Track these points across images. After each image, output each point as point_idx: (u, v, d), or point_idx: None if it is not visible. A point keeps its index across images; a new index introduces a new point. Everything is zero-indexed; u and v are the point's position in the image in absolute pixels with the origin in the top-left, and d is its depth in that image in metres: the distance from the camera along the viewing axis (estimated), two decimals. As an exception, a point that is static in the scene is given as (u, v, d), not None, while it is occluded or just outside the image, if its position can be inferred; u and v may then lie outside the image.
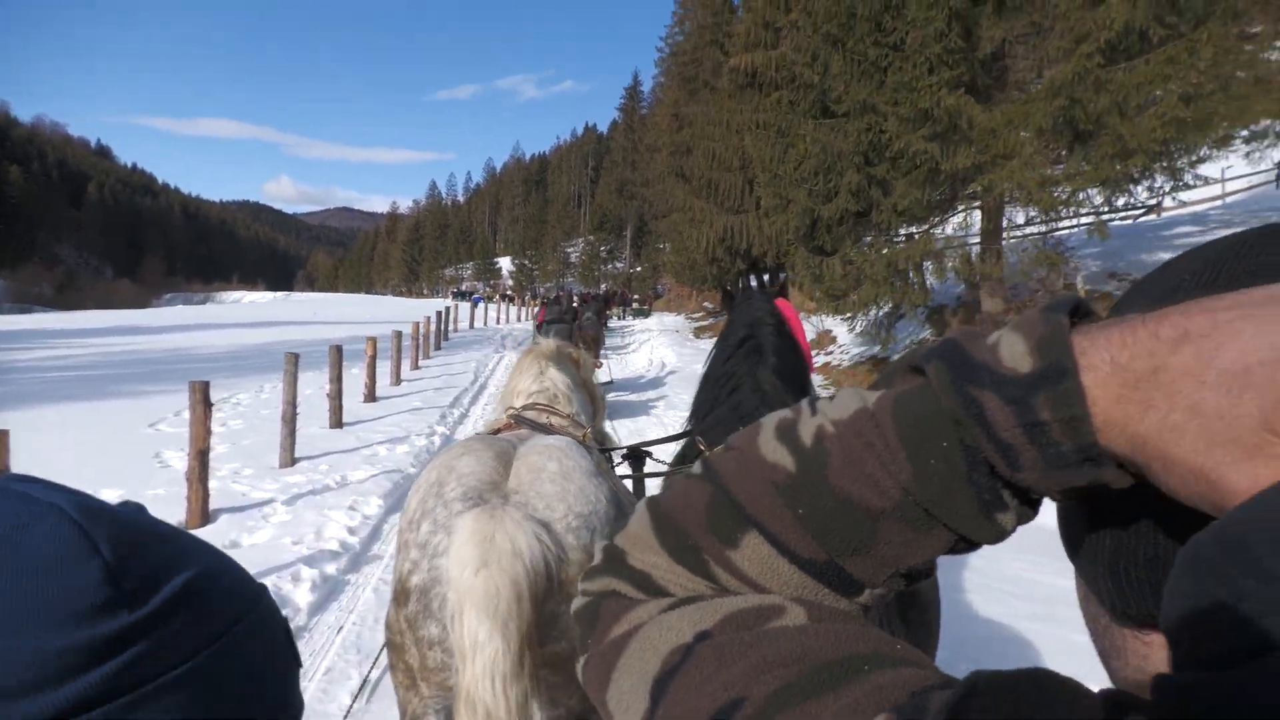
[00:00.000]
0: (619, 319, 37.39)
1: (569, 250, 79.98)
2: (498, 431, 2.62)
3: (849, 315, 12.45)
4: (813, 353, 3.18)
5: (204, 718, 0.55)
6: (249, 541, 5.32)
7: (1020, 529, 0.46)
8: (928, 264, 11.16)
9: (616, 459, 3.07)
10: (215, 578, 0.59)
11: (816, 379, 3.14)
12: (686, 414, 3.13)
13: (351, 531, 5.58)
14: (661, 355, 19.95)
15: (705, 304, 34.21)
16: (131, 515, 0.57)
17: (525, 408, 2.82)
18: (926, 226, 12.07)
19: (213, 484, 6.32)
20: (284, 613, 0.69)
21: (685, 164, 27.65)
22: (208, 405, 5.83)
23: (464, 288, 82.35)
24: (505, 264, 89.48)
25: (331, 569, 4.90)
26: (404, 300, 77.66)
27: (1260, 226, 0.45)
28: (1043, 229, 12.26)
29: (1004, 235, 11.56)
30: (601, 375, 9.92)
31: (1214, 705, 0.30)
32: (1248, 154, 10.54)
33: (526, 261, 78.81)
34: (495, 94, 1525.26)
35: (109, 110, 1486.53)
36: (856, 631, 0.45)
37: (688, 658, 0.47)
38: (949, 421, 0.42)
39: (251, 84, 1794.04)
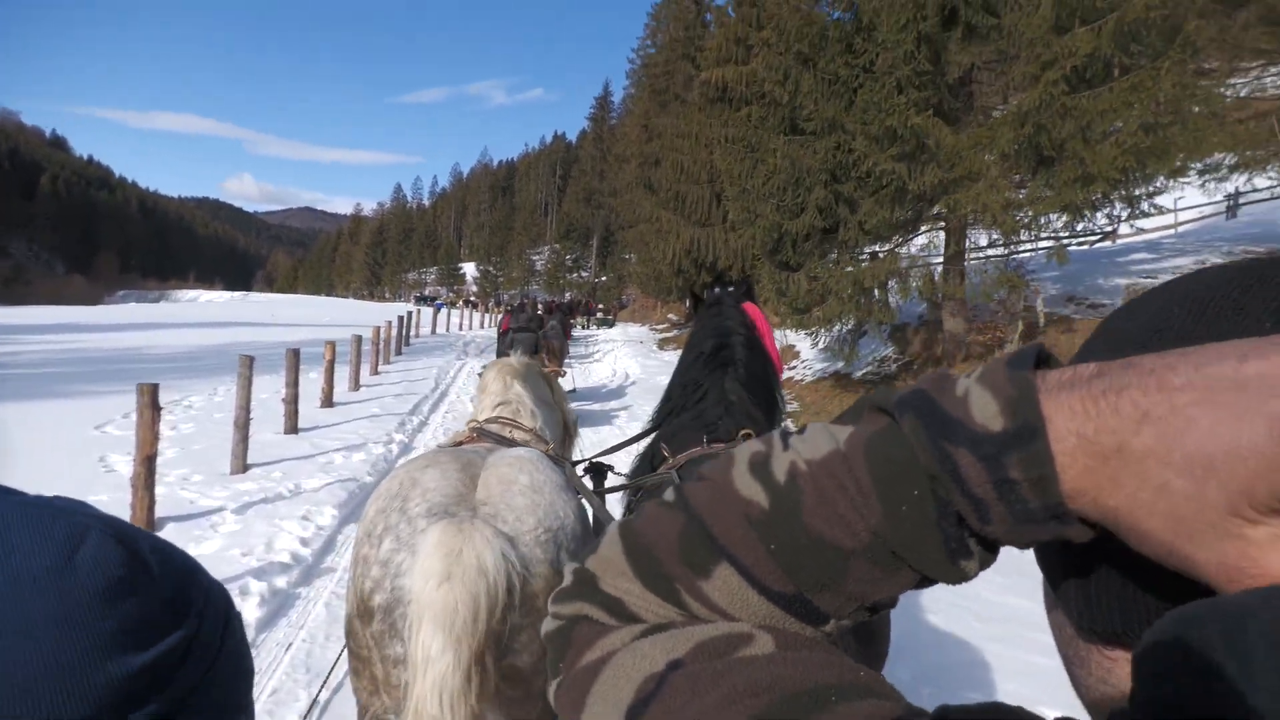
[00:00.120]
0: (583, 328, 37.26)
1: (534, 258, 79.71)
2: (460, 444, 2.58)
3: (812, 330, 12.52)
4: (780, 356, 3.16)
5: (219, 713, 0.59)
6: (195, 552, 5.12)
7: None
8: (892, 282, 11.27)
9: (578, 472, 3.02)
10: (210, 580, 0.62)
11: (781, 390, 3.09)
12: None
13: (304, 543, 5.40)
14: (625, 366, 19.89)
15: (670, 315, 34.25)
16: (136, 528, 0.58)
17: (488, 421, 2.79)
18: (891, 246, 12.20)
19: (160, 490, 6.10)
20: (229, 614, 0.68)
21: (654, 175, 27.76)
22: (156, 409, 5.62)
23: (427, 292, 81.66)
24: (470, 270, 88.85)
25: (282, 582, 4.73)
26: (365, 303, 76.60)
27: (1245, 260, 0.46)
28: (1004, 251, 12.46)
29: (966, 257, 11.72)
30: (565, 385, 9.82)
31: None
32: (1202, 184, 10.82)
33: (491, 268, 78.34)
34: (464, 98, 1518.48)
35: (65, 100, 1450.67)
36: (823, 660, 0.46)
37: (661, 687, 0.48)
38: (922, 473, 0.44)
39: (215, 79, 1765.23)
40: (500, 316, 17.49)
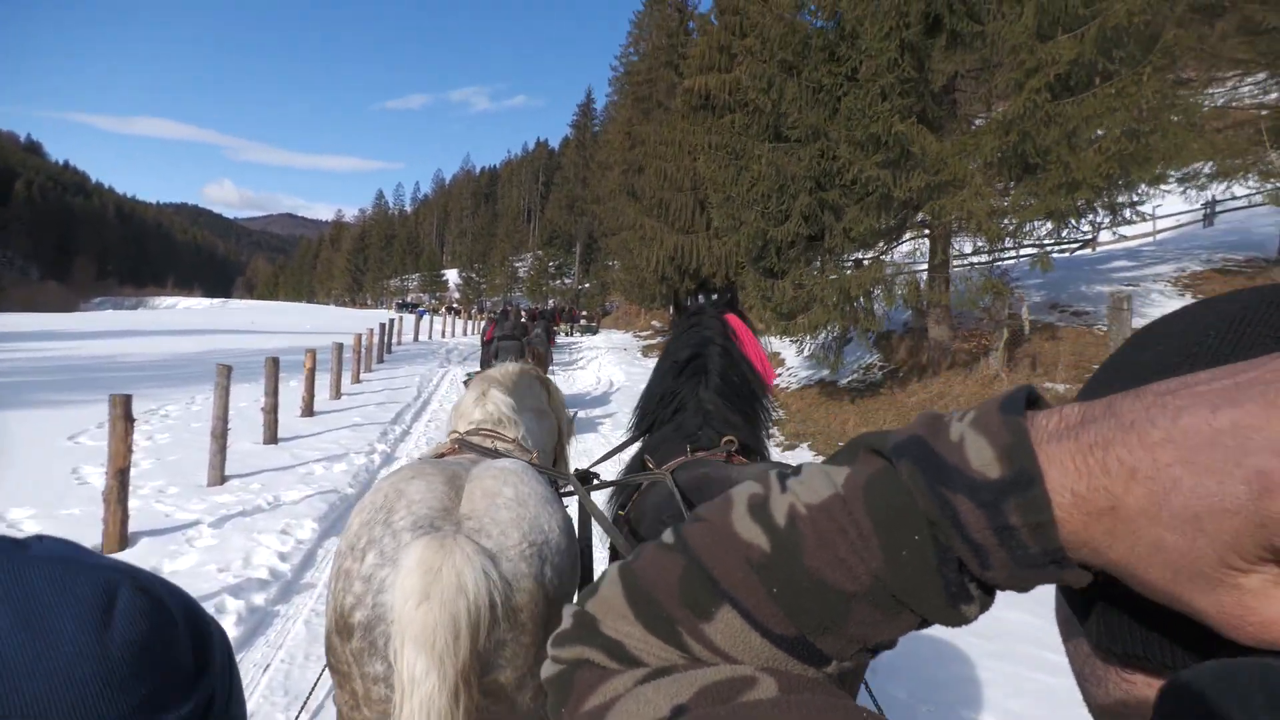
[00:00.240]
0: (566, 335, 37.14)
1: (517, 265, 79.47)
2: (443, 456, 2.54)
3: (797, 338, 12.49)
4: (768, 361, 3.13)
5: None
6: (170, 568, 4.98)
7: None
8: (877, 290, 11.25)
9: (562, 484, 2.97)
10: (213, 621, 0.61)
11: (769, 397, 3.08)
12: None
13: (283, 558, 5.26)
14: (609, 373, 19.81)
15: (654, 322, 34.19)
16: (150, 574, 0.57)
17: (470, 432, 2.75)
18: (876, 253, 12.20)
19: (134, 503, 5.95)
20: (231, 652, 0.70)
21: (637, 182, 27.68)
22: (129, 420, 5.47)
23: (409, 299, 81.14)
24: (452, 276, 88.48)
25: (259, 599, 4.59)
26: (347, 310, 76.10)
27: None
28: (988, 259, 12.49)
29: (951, 264, 11.73)
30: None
31: None
32: (1183, 192, 10.89)
33: (474, 275, 78.04)
34: (446, 105, 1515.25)
35: (41, 105, 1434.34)
36: (827, 703, 0.46)
37: None
38: (922, 518, 0.44)
39: (194, 84, 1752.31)
40: (484, 324, 17.38)
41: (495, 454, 2.52)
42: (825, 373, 13.20)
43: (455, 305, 65.73)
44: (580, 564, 2.37)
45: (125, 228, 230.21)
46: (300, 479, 7.43)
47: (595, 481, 2.98)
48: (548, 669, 0.61)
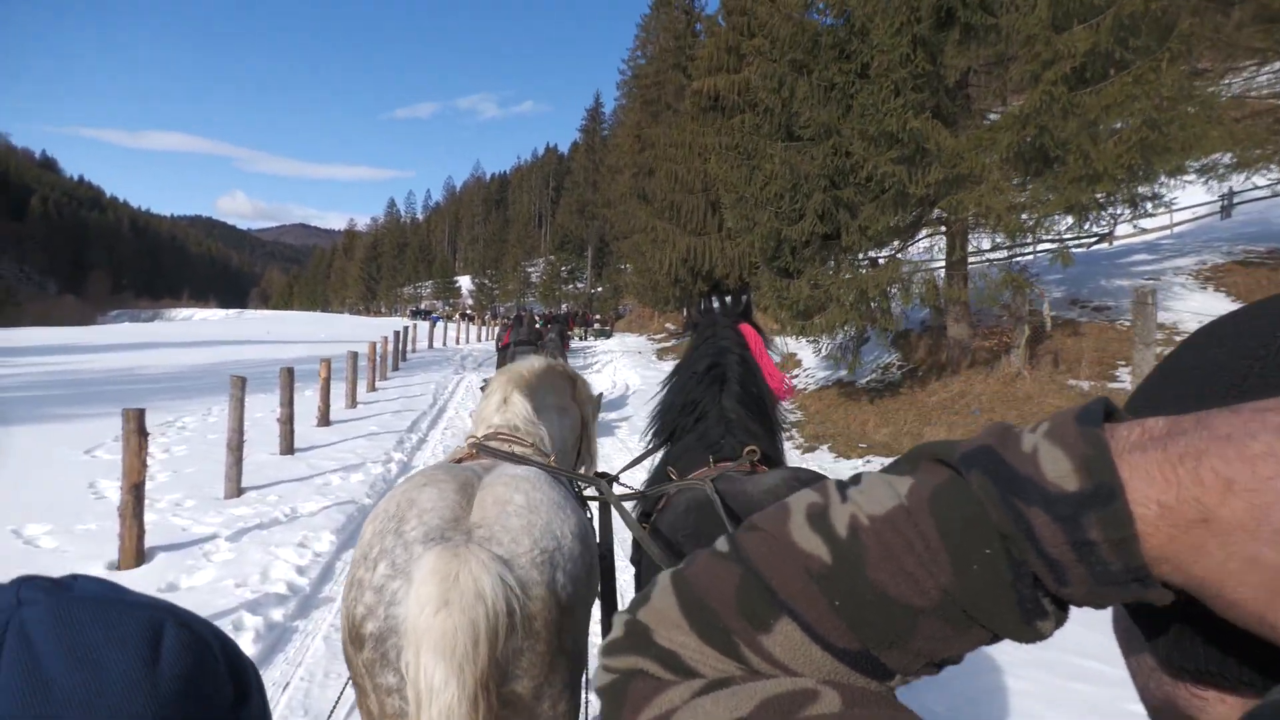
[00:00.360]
0: (580, 339, 37.10)
1: (530, 270, 79.49)
2: (460, 461, 2.50)
3: (814, 339, 12.36)
4: (781, 372, 3.13)
5: None
6: (187, 584, 4.93)
7: None
8: (894, 289, 11.12)
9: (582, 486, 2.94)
10: (245, 656, 0.62)
11: (784, 402, 3.07)
12: (647, 438, 3.13)
13: (301, 571, 5.20)
14: (625, 377, 19.72)
15: (667, 325, 34.08)
16: (188, 611, 0.58)
17: (488, 437, 2.70)
18: (893, 251, 12.07)
19: (151, 517, 5.91)
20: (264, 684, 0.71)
21: (647, 185, 27.60)
22: (143, 434, 5.42)
23: (423, 306, 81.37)
24: (465, 283, 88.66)
25: (278, 615, 4.52)
26: (361, 319, 76.34)
27: None
28: (1005, 255, 12.34)
29: (968, 261, 11.59)
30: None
31: None
32: (1206, 182, 10.71)
33: (487, 281, 78.15)
34: (455, 113, 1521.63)
35: (55, 121, 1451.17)
36: (892, 718, 0.46)
37: None
38: (994, 532, 0.43)
39: (205, 97, 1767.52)
40: (499, 330, 17.36)
41: (512, 458, 2.50)
42: (843, 373, 13.07)
43: (468, 312, 65.88)
44: (600, 570, 2.35)
45: (140, 241, 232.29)
46: (317, 490, 7.38)
47: (615, 486, 2.93)
48: (600, 678, 0.59)
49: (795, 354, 16.01)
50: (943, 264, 11.98)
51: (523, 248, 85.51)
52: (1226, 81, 12.03)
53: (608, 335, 39.69)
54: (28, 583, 0.52)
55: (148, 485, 7.13)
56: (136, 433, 5.37)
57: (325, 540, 5.86)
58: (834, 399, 12.79)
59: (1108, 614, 0.51)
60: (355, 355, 13.76)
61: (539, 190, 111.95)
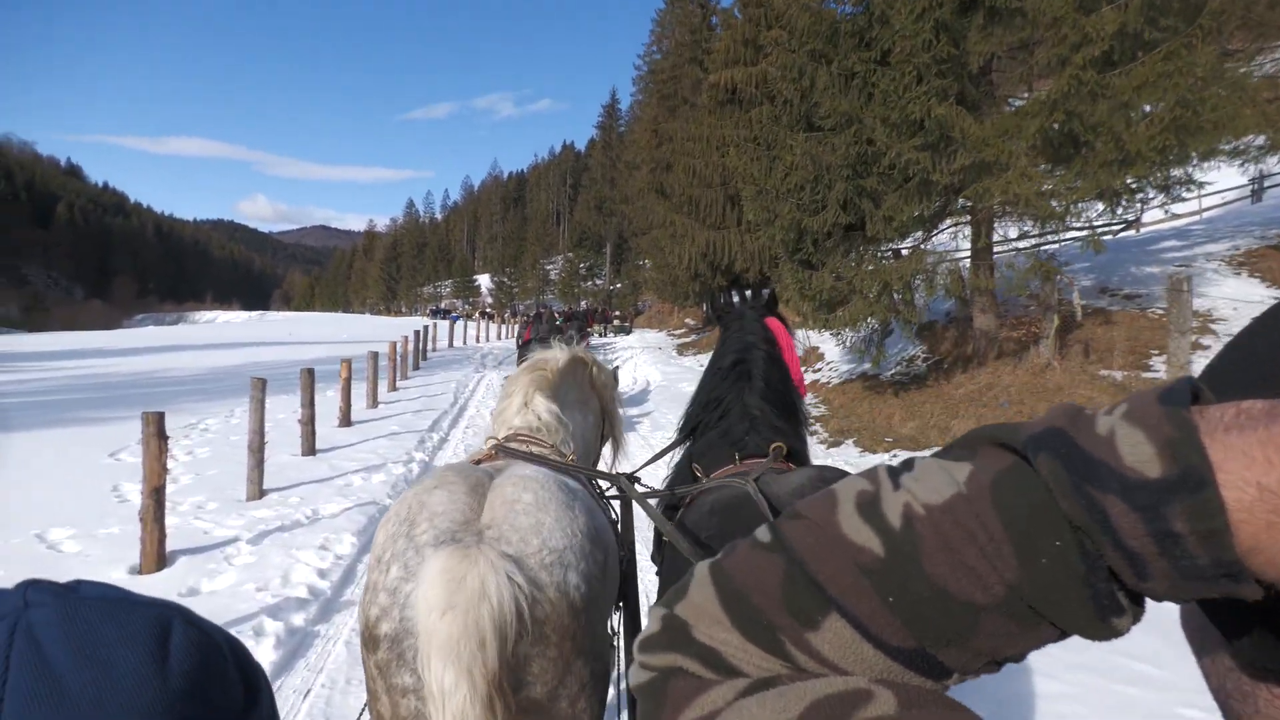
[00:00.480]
0: (600, 336, 37.05)
1: (548, 267, 79.61)
2: (479, 463, 2.45)
3: (837, 331, 12.19)
4: (801, 369, 3.09)
5: None
6: (209, 588, 4.87)
7: None
8: (918, 280, 10.92)
9: (604, 485, 2.91)
10: (254, 657, 0.63)
11: (806, 398, 3.02)
12: (672, 435, 3.11)
13: (322, 574, 5.13)
14: (646, 373, 19.60)
15: (687, 320, 33.97)
16: (194, 612, 0.58)
17: (508, 438, 2.67)
18: (916, 242, 11.87)
19: (173, 520, 5.88)
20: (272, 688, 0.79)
21: (665, 180, 27.45)
22: (163, 438, 5.37)
23: (442, 305, 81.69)
24: (484, 281, 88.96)
25: (299, 619, 4.45)
26: (382, 319, 76.75)
27: None
28: (1031, 244, 12.11)
29: (993, 250, 11.37)
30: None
31: None
32: (1241, 165, 10.42)
33: (506, 279, 78.32)
34: (472, 112, 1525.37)
35: (80, 129, 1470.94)
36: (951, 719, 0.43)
37: None
38: (1064, 522, 0.41)
39: (225, 102, 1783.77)
40: (520, 327, 17.35)
41: (530, 457, 2.48)
42: (867, 366, 12.90)
43: (488, 310, 66.07)
44: (620, 569, 2.32)
45: (164, 245, 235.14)
46: (339, 491, 7.33)
47: (637, 485, 2.88)
48: (637, 675, 0.57)
49: (818, 347, 15.83)
50: (968, 254, 11.77)
51: (541, 245, 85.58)
52: (1258, 62, 11.72)
53: (627, 332, 39.59)
54: (34, 586, 0.52)
55: (170, 488, 7.14)
56: (156, 436, 5.33)
57: (346, 542, 5.81)
58: (858, 392, 12.62)
59: (1157, 610, 0.45)
60: (376, 355, 13.75)
61: (556, 188, 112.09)
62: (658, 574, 2.58)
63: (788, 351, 2.96)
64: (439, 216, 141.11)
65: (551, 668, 1.82)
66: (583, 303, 60.86)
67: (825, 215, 11.21)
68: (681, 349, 27.12)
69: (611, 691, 3.26)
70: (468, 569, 1.69)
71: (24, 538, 5.74)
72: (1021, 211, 9.72)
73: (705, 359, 3.11)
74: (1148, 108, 8.55)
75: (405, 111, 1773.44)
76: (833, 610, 0.47)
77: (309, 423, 9.03)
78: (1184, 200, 10.36)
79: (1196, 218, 19.91)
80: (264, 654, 3.97)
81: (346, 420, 11.07)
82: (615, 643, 2.24)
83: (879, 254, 11.85)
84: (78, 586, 0.54)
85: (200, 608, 3.55)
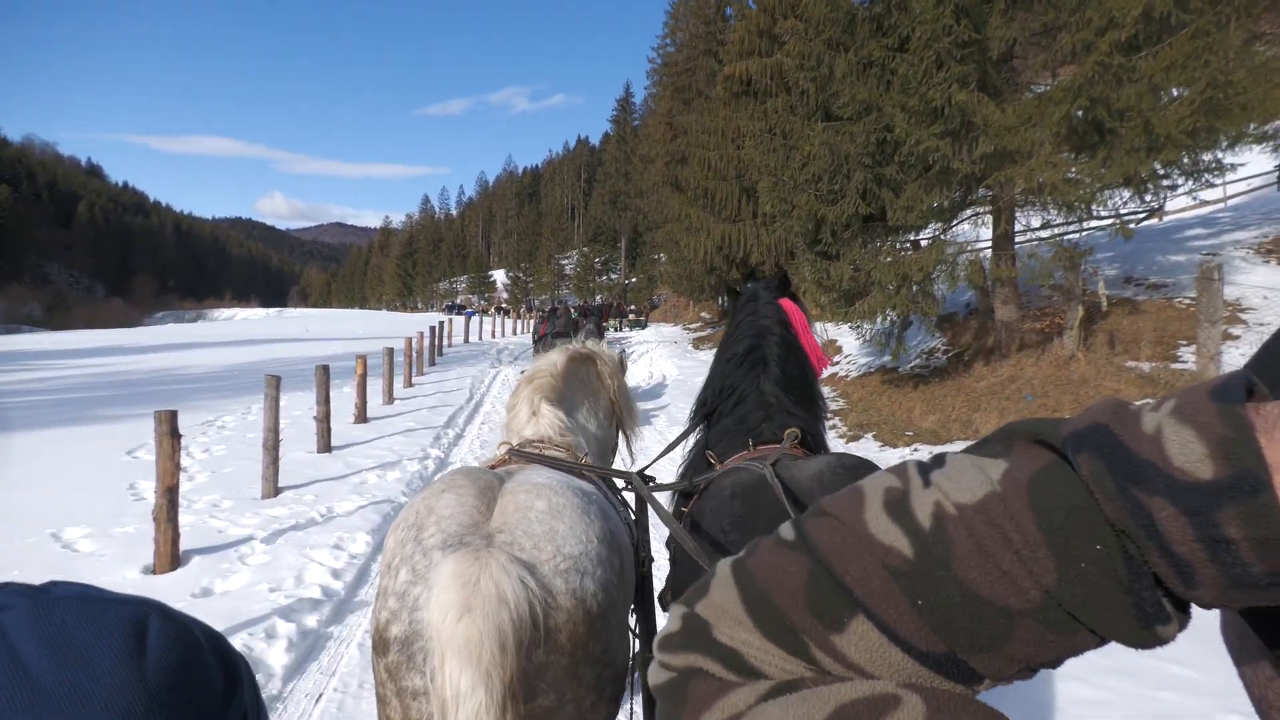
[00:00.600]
0: (615, 330, 36.96)
1: (563, 262, 79.54)
2: (493, 469, 2.39)
3: (856, 325, 12.02)
4: (820, 349, 3.02)
5: None
6: (222, 588, 4.82)
7: None
8: (939, 270, 10.73)
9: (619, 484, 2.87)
10: (236, 650, 0.62)
11: (824, 390, 2.93)
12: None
13: (336, 575, 5.07)
14: (662, 367, 19.50)
15: (703, 314, 33.79)
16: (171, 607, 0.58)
17: (522, 444, 2.63)
18: (936, 232, 11.68)
19: (188, 518, 5.85)
20: (256, 678, 0.66)
21: (680, 174, 27.27)
22: (175, 437, 5.32)
23: (458, 301, 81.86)
24: (500, 277, 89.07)
25: (312, 621, 4.38)
26: (398, 315, 77.03)
27: None
28: (1054, 232, 11.88)
29: (1015, 239, 11.16)
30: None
31: None
32: (1275, 147, 10.15)
33: (521, 274, 78.35)
34: (486, 108, 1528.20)
35: (100, 129, 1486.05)
36: None
37: None
38: (1106, 525, 0.39)
39: (242, 101, 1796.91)
40: (535, 323, 17.33)
41: (542, 459, 2.46)
42: (885, 359, 12.72)
43: (503, 305, 66.14)
44: (638, 570, 2.31)
45: (183, 244, 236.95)
46: (354, 489, 7.28)
47: (653, 483, 2.82)
48: (656, 675, 0.55)
49: (835, 340, 15.66)
50: (988, 244, 11.56)
51: (556, 240, 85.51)
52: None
53: (643, 326, 39.46)
54: (4, 588, 0.51)
55: (186, 486, 7.14)
56: (169, 435, 5.28)
57: (361, 541, 5.74)
58: (877, 386, 12.45)
59: (1196, 611, 0.41)
60: (391, 351, 13.72)
61: (571, 182, 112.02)
62: (670, 560, 2.55)
63: (804, 334, 2.90)
64: (454, 212, 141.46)
65: (564, 676, 1.80)
66: (598, 297, 60.77)
67: (844, 205, 11.05)
68: (697, 343, 26.97)
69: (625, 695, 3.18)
70: (479, 572, 1.67)
71: (39, 537, 5.72)
72: (1046, 200, 9.51)
73: (720, 352, 3.05)
74: (1178, 91, 8.33)
75: (420, 108, 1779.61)
76: (859, 613, 0.45)
77: (324, 420, 9.00)
78: (1213, 186, 10.13)
79: (1221, 205, 19.56)
80: (276, 657, 3.91)
81: (362, 417, 11.04)
82: (631, 643, 2.20)
83: (897, 245, 11.67)
84: (50, 587, 0.53)
85: (213, 609, 3.48)
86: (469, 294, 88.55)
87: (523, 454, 2.49)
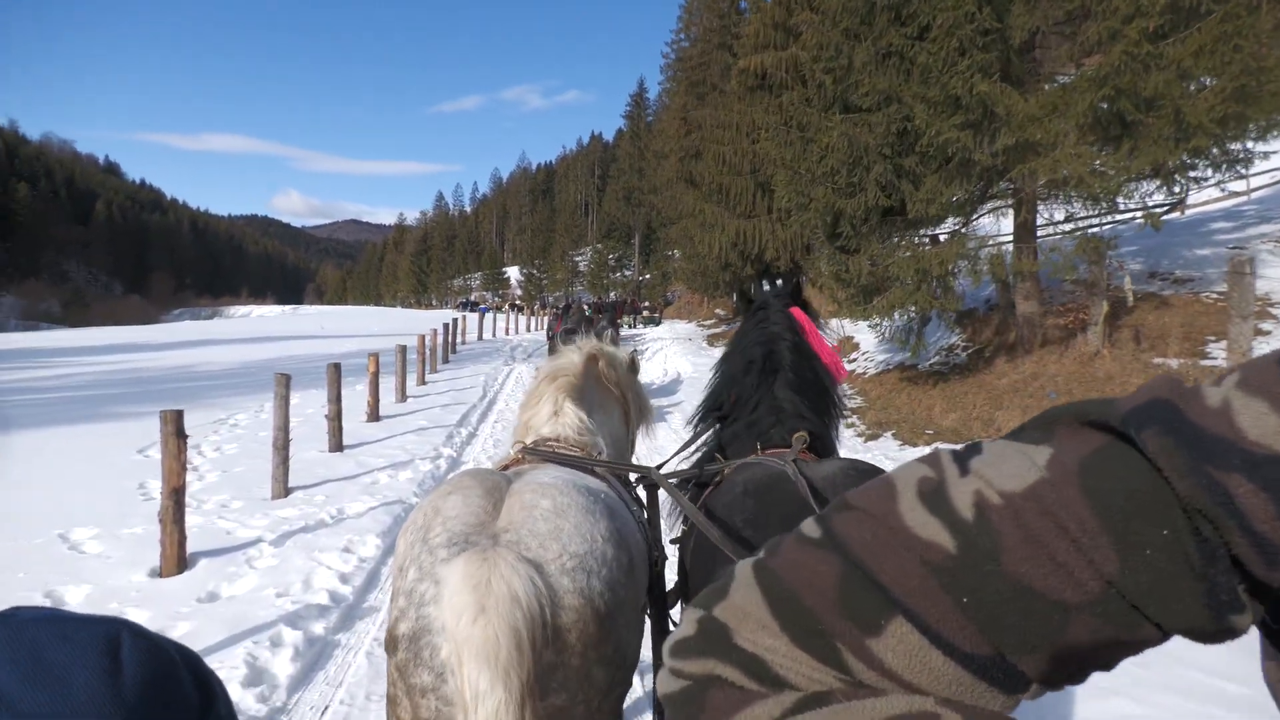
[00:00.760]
0: (629, 327, 36.83)
1: (577, 259, 79.41)
2: (506, 468, 2.39)
3: (874, 322, 11.82)
4: (836, 353, 2.98)
5: None
6: (228, 593, 4.71)
7: None
8: (959, 265, 10.52)
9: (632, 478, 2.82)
10: (198, 656, 0.62)
11: (842, 388, 2.97)
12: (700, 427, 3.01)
13: (344, 579, 4.94)
14: (676, 364, 19.34)
15: (717, 310, 33.60)
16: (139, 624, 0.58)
17: (536, 443, 2.57)
18: (956, 226, 11.46)
19: (197, 519, 5.77)
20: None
21: (695, 169, 27.09)
22: (181, 437, 5.21)
23: (472, 298, 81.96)
24: (513, 273, 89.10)
25: (319, 628, 4.25)
26: (413, 312, 77.18)
27: None
28: (1075, 227, 11.64)
29: (1037, 232, 10.94)
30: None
31: None
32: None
33: (535, 271, 78.30)
34: (500, 105, 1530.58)
35: (117, 127, 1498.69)
36: None
37: None
38: (1174, 507, 0.36)
39: (259, 99, 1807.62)
40: (550, 320, 17.24)
41: (555, 456, 2.44)
42: (904, 356, 12.51)
43: (517, 302, 66.12)
44: (650, 568, 2.28)
45: (200, 241, 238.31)
46: (364, 489, 7.18)
47: (668, 479, 2.75)
48: (668, 683, 0.51)
49: (852, 337, 15.45)
50: (1009, 238, 11.34)
51: (570, 237, 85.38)
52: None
53: (657, 322, 39.30)
54: None
55: (197, 485, 7.06)
56: (175, 435, 5.17)
57: (370, 544, 5.63)
58: (895, 383, 12.25)
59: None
60: (404, 349, 13.64)
61: (585, 179, 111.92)
62: (679, 560, 2.51)
63: (814, 339, 2.85)
64: (468, 209, 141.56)
65: (574, 676, 1.79)
66: (612, 294, 60.61)
67: (862, 198, 10.86)
68: (712, 340, 26.78)
69: (640, 692, 3.05)
70: (489, 572, 1.67)
71: (46, 538, 5.65)
72: (1070, 192, 9.29)
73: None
74: (1207, 80, 8.11)
75: (434, 105, 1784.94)
76: (897, 613, 0.42)
77: (336, 418, 8.91)
78: (1241, 177, 9.87)
79: (1246, 198, 19.19)
80: (281, 666, 3.78)
81: (375, 415, 10.95)
82: (641, 644, 2.16)
83: (917, 239, 11.46)
84: (15, 612, 0.51)
85: (219, 614, 3.34)
86: (483, 291, 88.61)
87: (537, 452, 2.46)
